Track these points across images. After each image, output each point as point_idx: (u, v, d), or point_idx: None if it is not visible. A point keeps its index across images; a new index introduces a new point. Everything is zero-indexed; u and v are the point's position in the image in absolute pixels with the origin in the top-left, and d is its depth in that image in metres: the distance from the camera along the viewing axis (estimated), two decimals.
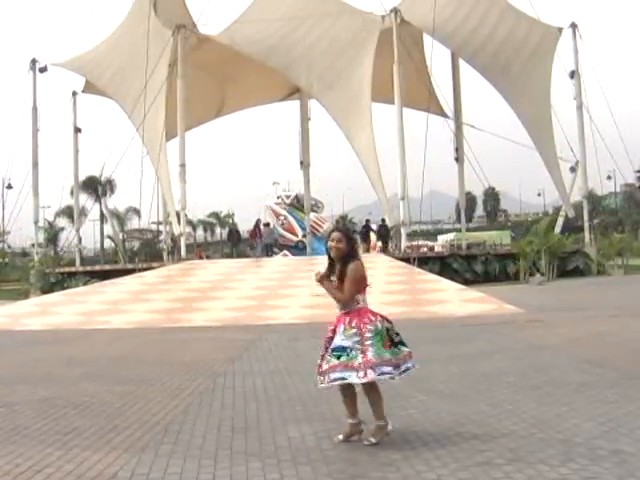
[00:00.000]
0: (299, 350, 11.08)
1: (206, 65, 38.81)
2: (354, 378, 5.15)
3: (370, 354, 5.14)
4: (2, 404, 7.22)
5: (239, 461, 4.92)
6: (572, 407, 6.20)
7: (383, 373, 5.16)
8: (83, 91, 41.53)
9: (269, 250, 39.97)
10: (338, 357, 5.17)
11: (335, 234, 5.35)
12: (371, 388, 5.28)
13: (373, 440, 5.20)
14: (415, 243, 42.88)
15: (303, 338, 12.47)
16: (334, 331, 5.31)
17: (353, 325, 5.21)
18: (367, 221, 38.41)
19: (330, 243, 5.32)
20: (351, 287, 5.26)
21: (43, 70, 40.17)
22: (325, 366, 5.22)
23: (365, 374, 5.13)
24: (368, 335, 5.19)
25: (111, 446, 5.42)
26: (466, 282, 26.54)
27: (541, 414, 5.97)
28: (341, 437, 5.31)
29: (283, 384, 7.98)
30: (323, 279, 5.38)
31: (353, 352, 5.15)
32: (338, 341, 5.21)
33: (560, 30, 38.75)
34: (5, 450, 5.36)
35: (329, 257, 5.42)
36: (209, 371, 9.19)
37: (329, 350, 5.23)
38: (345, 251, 5.30)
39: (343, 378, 5.18)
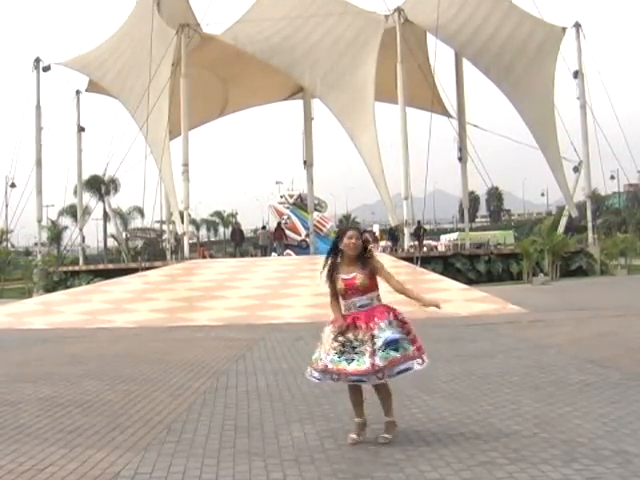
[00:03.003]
0: (302, 349, 11.07)
1: (209, 64, 38.81)
2: (416, 366, 5.28)
3: (420, 341, 5.38)
4: (5, 403, 7.23)
5: (242, 460, 4.92)
6: (575, 407, 6.19)
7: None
8: (87, 90, 41.55)
9: (265, 252, 40.18)
10: (396, 350, 5.20)
11: (352, 232, 5.51)
12: (383, 385, 5.34)
13: (388, 436, 5.26)
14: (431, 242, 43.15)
15: (306, 337, 12.47)
16: (353, 327, 5.28)
17: (391, 318, 5.31)
18: (419, 222, 38.48)
19: (349, 240, 5.42)
20: (390, 274, 5.55)
21: (47, 69, 40.18)
22: (380, 363, 5.13)
23: (423, 360, 5.32)
24: (409, 324, 5.40)
25: (114, 445, 5.43)
26: (469, 282, 26.52)
27: (544, 414, 5.97)
28: (355, 437, 5.30)
29: (286, 383, 7.99)
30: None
31: (405, 343, 5.27)
32: (390, 335, 5.21)
33: (564, 30, 38.66)
34: (8, 449, 5.37)
35: (334, 255, 5.49)
36: (212, 370, 9.20)
37: (381, 347, 5.16)
38: (361, 246, 5.46)
39: (408, 368, 5.25)
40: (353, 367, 5.17)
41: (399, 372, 5.24)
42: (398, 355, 5.19)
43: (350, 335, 5.26)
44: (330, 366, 5.25)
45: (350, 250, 5.42)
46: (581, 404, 6.31)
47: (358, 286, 5.35)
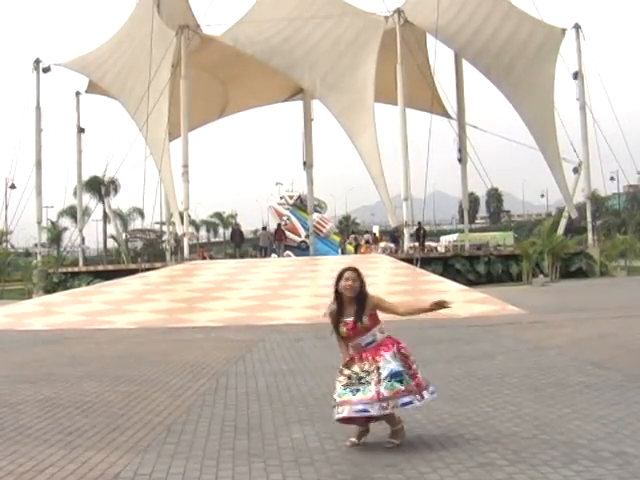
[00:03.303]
0: (302, 351, 11.09)
1: (209, 65, 38.83)
2: (417, 402, 5.30)
3: (420, 376, 5.37)
4: (5, 404, 7.23)
5: (242, 461, 4.93)
6: (575, 409, 6.19)
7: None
8: (86, 91, 41.56)
9: (265, 253, 40.25)
10: (401, 382, 5.24)
11: (350, 273, 5.47)
12: (393, 417, 5.36)
13: (396, 441, 5.27)
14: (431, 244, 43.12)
15: (306, 338, 12.48)
16: (359, 359, 5.34)
17: (395, 351, 5.33)
18: (419, 224, 38.42)
19: (345, 282, 5.41)
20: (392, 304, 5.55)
21: (46, 70, 40.18)
22: (385, 392, 5.16)
23: (422, 397, 5.32)
24: (412, 358, 5.39)
25: (114, 446, 5.43)
26: (469, 283, 26.52)
27: (544, 415, 5.97)
28: (355, 440, 5.31)
29: (286, 385, 7.99)
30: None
31: (406, 376, 5.28)
32: (394, 367, 5.25)
33: (563, 31, 38.66)
34: (8, 450, 5.37)
35: (337, 299, 5.46)
36: (212, 371, 9.20)
37: (387, 378, 5.20)
38: (359, 287, 5.44)
39: (411, 402, 5.27)
40: (358, 397, 5.21)
41: (403, 404, 5.26)
42: (402, 387, 5.23)
43: (356, 368, 5.32)
44: (337, 399, 5.31)
45: (347, 292, 5.42)
46: (581, 406, 6.31)
47: (359, 328, 5.37)
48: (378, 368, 5.24)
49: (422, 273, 24.58)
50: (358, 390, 5.22)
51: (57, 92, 42.13)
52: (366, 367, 5.28)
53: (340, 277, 5.46)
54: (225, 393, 7.62)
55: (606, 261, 35.88)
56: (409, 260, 28.48)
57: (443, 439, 5.35)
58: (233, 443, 5.46)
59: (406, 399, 5.24)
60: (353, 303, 5.42)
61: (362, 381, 5.24)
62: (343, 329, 5.39)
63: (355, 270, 5.52)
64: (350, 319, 5.38)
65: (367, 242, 41.66)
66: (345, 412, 5.25)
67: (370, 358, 5.29)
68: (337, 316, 5.43)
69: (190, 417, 6.44)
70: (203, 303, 19.42)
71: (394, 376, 5.22)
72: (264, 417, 6.33)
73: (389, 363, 5.25)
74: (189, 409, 6.82)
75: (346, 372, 5.33)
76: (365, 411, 5.20)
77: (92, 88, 40.52)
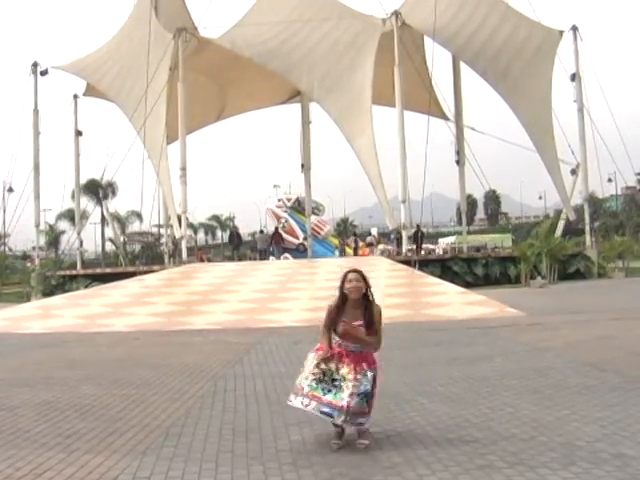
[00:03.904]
0: (300, 353, 11.06)
1: (207, 68, 38.85)
2: (367, 424, 5.32)
3: (374, 400, 5.37)
4: (3, 407, 7.22)
5: (240, 464, 4.92)
6: (573, 410, 6.19)
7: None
8: (84, 94, 41.58)
9: (263, 255, 40.32)
10: (366, 402, 5.27)
11: (353, 274, 5.42)
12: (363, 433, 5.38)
13: (366, 442, 5.25)
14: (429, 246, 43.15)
15: (304, 341, 12.46)
16: (338, 359, 5.32)
17: (376, 372, 5.36)
18: (418, 226, 38.42)
19: (349, 284, 5.37)
20: (381, 333, 5.43)
21: (44, 73, 40.22)
22: (354, 407, 5.18)
23: (368, 419, 5.35)
24: (376, 382, 5.38)
25: (112, 449, 5.42)
26: (467, 285, 26.54)
27: (542, 417, 5.97)
28: (340, 442, 5.30)
29: (284, 387, 7.96)
30: (348, 327, 5.39)
31: (369, 397, 5.30)
32: (368, 386, 5.26)
33: (561, 33, 38.75)
34: (6, 454, 5.35)
35: (340, 299, 5.42)
36: (210, 374, 9.19)
37: (361, 394, 5.21)
38: (364, 289, 5.39)
39: (363, 423, 5.30)
40: (329, 397, 5.20)
41: (359, 423, 5.28)
42: (365, 407, 5.26)
43: (332, 365, 5.30)
44: (306, 390, 5.29)
45: (352, 294, 5.38)
46: (579, 407, 6.31)
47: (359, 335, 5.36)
48: (356, 380, 5.22)
49: (420, 275, 24.60)
50: (330, 391, 5.21)
51: (55, 95, 42.35)
52: (343, 371, 5.25)
53: (344, 279, 5.43)
54: (224, 396, 7.61)
55: (604, 263, 35.96)
56: (407, 262, 28.50)
57: (442, 441, 5.34)
58: (232, 446, 5.45)
59: (362, 419, 5.27)
60: (358, 306, 5.38)
61: (335, 383, 5.23)
62: (341, 329, 5.36)
63: (359, 272, 5.50)
64: (357, 323, 5.33)
65: (370, 244, 41.66)
66: (311, 407, 5.25)
67: (352, 365, 5.26)
68: (337, 315, 5.39)
69: (188, 420, 6.43)
70: (201, 306, 19.41)
71: (366, 395, 5.24)
72: (262, 420, 6.32)
73: (367, 380, 5.26)
74: (187, 412, 6.81)
75: (322, 367, 5.29)
76: (330, 415, 5.21)
77: (90, 91, 40.56)
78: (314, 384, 5.26)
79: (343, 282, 5.42)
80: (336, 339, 5.39)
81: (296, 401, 5.36)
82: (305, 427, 5.93)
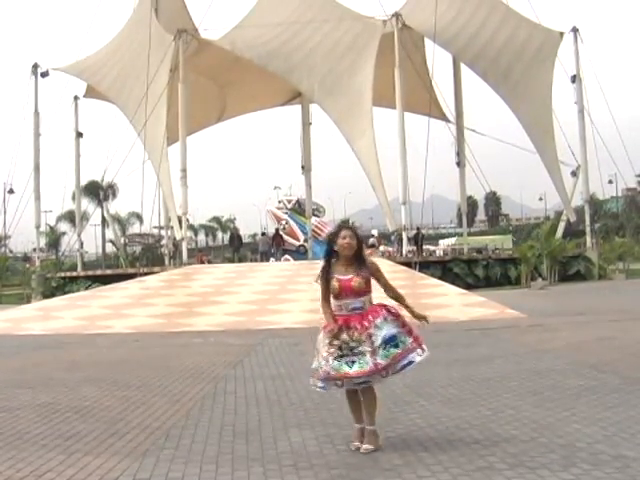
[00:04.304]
0: (301, 355, 11.07)
1: (207, 70, 38.88)
2: (417, 357, 5.23)
3: (416, 330, 5.31)
4: (3, 409, 7.22)
5: (241, 466, 4.92)
6: (574, 412, 6.19)
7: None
8: (85, 96, 41.59)
9: (264, 257, 40.35)
10: (396, 346, 5.16)
11: (345, 231, 5.35)
12: (370, 392, 5.24)
13: (371, 447, 5.15)
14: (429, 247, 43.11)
15: (304, 343, 12.46)
16: (346, 327, 5.19)
17: (385, 314, 5.23)
18: (418, 228, 38.46)
19: (343, 241, 5.28)
20: (390, 283, 5.40)
21: (45, 75, 40.23)
22: (383, 362, 5.08)
23: (423, 350, 5.28)
24: (403, 317, 5.30)
25: (112, 451, 5.42)
26: (468, 286, 26.55)
27: (543, 419, 5.96)
28: (358, 444, 5.19)
29: (284, 389, 7.98)
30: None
31: (403, 336, 5.21)
32: (388, 331, 5.15)
33: (561, 34, 38.76)
34: (6, 455, 5.35)
35: (329, 255, 5.38)
36: (210, 376, 9.19)
37: (381, 346, 5.10)
38: (357, 246, 5.33)
39: (411, 362, 5.21)
40: (355, 369, 5.07)
41: (402, 367, 5.20)
42: (399, 350, 5.15)
43: (345, 336, 5.15)
44: (332, 373, 5.13)
45: (345, 250, 5.29)
46: (580, 409, 6.31)
47: (353, 288, 5.23)
48: (370, 336, 5.11)
49: (421, 277, 24.59)
50: (354, 362, 5.07)
51: (55, 97, 42.22)
52: (356, 335, 5.12)
53: (336, 235, 5.34)
54: (224, 397, 7.61)
55: (604, 264, 35.93)
56: (408, 264, 28.49)
57: (442, 442, 5.33)
58: (232, 447, 5.44)
59: (404, 360, 5.18)
60: (350, 262, 5.30)
61: (355, 351, 5.09)
62: (336, 285, 5.25)
63: (351, 229, 5.46)
64: (346, 277, 5.24)
65: (372, 246, 41.62)
66: (346, 386, 5.17)
67: (359, 326, 5.14)
68: (329, 273, 5.31)
69: (189, 422, 6.42)
70: (202, 307, 19.41)
71: (388, 341, 5.12)
72: (263, 421, 6.32)
73: (380, 330, 5.13)
74: (188, 414, 6.80)
75: (335, 342, 5.14)
76: (366, 382, 5.14)
77: (90, 92, 40.57)
78: (336, 363, 5.10)
79: (335, 238, 5.33)
80: (335, 303, 5.29)
81: (328, 385, 5.22)
82: (306, 429, 5.93)
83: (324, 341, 5.23)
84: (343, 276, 5.27)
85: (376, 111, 35.60)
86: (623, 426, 5.61)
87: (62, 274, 36.92)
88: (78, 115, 42.49)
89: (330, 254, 5.39)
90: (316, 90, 35.91)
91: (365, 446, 5.14)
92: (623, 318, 14.90)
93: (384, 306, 5.31)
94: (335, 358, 5.13)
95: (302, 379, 8.42)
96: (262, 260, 39.99)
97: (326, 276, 5.33)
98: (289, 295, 20.38)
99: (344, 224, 5.52)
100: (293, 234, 48.33)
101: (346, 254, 5.31)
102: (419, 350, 5.24)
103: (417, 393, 7.28)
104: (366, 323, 5.16)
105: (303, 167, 41.30)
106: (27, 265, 42.31)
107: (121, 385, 8.57)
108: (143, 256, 45.55)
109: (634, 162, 42.40)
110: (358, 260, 5.33)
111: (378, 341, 5.11)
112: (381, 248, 42.75)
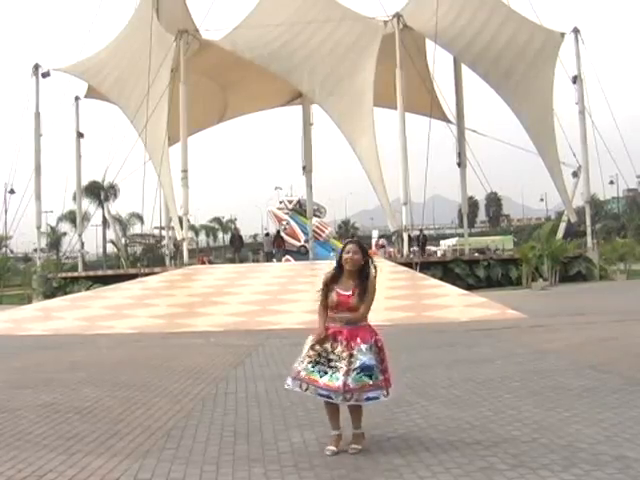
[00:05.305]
0: None
1: (208, 70, 38.88)
2: (382, 397, 5.27)
3: (389, 372, 5.34)
4: (4, 409, 7.22)
5: (242, 467, 4.92)
6: (575, 412, 6.19)
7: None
8: (86, 96, 41.57)
9: (269, 257, 40.43)
10: (370, 377, 5.18)
11: (351, 246, 5.44)
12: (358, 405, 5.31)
13: (359, 447, 5.21)
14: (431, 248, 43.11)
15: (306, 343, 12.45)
16: (333, 338, 5.26)
17: (372, 343, 5.27)
18: (420, 230, 38.50)
19: (346, 255, 5.38)
20: (372, 303, 5.39)
21: (46, 75, 40.20)
22: (352, 384, 5.12)
23: (387, 392, 5.29)
24: (386, 353, 5.35)
25: (113, 451, 5.42)
26: (469, 287, 26.53)
27: (544, 419, 5.96)
28: (334, 448, 5.22)
29: (285, 390, 7.95)
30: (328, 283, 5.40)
31: (377, 371, 5.24)
32: (367, 360, 5.19)
33: (562, 35, 38.74)
34: (7, 455, 5.36)
35: (338, 268, 5.45)
36: (211, 376, 9.19)
37: (356, 369, 5.14)
38: (361, 262, 5.40)
39: (377, 397, 5.24)
40: (325, 380, 5.16)
41: (367, 399, 5.22)
42: (370, 382, 5.18)
43: (328, 346, 5.25)
44: (302, 374, 5.26)
45: (348, 265, 5.39)
46: (581, 409, 6.31)
47: (350, 305, 5.31)
48: (351, 356, 5.16)
49: (422, 277, 24.59)
50: (326, 373, 5.16)
51: (56, 97, 42.29)
52: (338, 350, 5.20)
53: (343, 249, 5.47)
54: (225, 398, 7.61)
55: (605, 265, 35.92)
56: (409, 264, 28.48)
57: (443, 443, 5.34)
58: (233, 448, 5.45)
59: (371, 394, 5.20)
60: (353, 278, 5.38)
61: (331, 364, 5.18)
62: (334, 298, 5.32)
63: (357, 243, 5.52)
64: (346, 292, 5.32)
65: (382, 246, 41.52)
66: (309, 391, 5.24)
67: (345, 342, 5.21)
68: (331, 283, 5.39)
69: (190, 422, 6.43)
70: (203, 308, 19.41)
71: (364, 369, 5.16)
72: (264, 422, 6.32)
73: (363, 355, 5.18)
74: (189, 414, 6.81)
75: (317, 348, 5.25)
76: (329, 397, 5.19)
77: (91, 93, 40.56)
78: (310, 367, 5.23)
79: (342, 251, 5.45)
80: (331, 313, 5.35)
81: (294, 384, 5.34)
82: (306, 429, 5.93)
83: (309, 343, 5.36)
84: (343, 291, 5.35)
85: (377, 112, 35.58)
86: (624, 427, 5.61)
87: (63, 274, 36.92)
88: (79, 115, 42.49)
89: (339, 265, 5.47)
90: (317, 91, 35.91)
91: (353, 446, 5.22)
92: (624, 319, 14.89)
93: (375, 333, 5.36)
94: (310, 362, 5.26)
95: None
96: (267, 260, 40.14)
97: (329, 286, 5.41)
98: (290, 296, 20.38)
99: (352, 239, 5.57)
100: (294, 235, 48.29)
101: (348, 268, 5.40)
102: (384, 392, 5.27)
103: (418, 393, 7.28)
104: (352, 344, 5.22)
105: (304, 168, 41.29)
106: (33, 267, 42.23)
107: (122, 385, 8.57)
108: (144, 257, 45.53)
109: (635, 163, 42.50)
110: (361, 276, 5.40)
111: (356, 364, 5.16)
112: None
